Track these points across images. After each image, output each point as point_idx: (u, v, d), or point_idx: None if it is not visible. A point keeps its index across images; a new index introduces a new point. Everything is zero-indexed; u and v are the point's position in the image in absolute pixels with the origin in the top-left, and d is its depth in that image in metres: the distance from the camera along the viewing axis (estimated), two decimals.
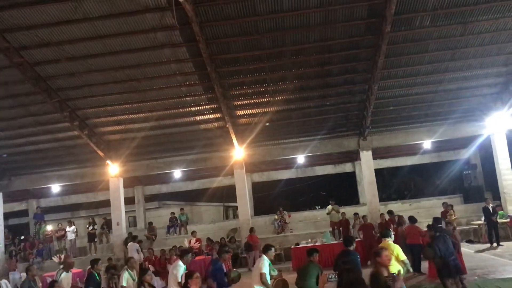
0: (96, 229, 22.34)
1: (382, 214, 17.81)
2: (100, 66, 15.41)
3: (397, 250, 8.73)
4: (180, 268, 9.00)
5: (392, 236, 9.63)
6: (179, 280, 8.85)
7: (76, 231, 22.46)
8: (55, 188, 22.55)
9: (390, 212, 17.74)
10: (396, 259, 8.41)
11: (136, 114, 18.07)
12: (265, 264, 8.40)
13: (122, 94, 17.01)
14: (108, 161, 20.32)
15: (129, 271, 9.16)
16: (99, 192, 24.42)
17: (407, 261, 8.71)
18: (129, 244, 18.04)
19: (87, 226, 22.43)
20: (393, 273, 7.72)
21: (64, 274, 9.60)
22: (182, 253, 9.63)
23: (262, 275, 8.25)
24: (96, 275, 9.37)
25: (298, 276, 8.18)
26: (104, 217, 24.11)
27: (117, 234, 20.86)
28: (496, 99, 18.62)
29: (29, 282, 9.38)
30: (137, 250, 17.46)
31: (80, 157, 20.67)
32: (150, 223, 23.10)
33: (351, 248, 8.74)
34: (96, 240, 22.31)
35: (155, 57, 15.18)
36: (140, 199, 25.77)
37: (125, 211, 21.82)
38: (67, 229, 22.01)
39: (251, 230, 18.61)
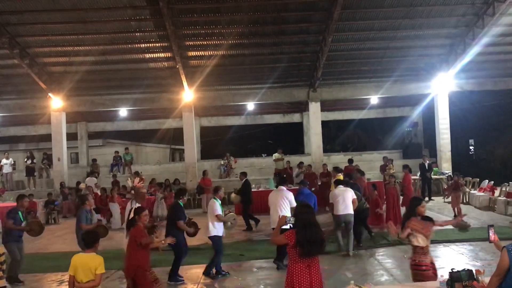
0: (35, 163, 21.64)
1: (324, 165, 18.39)
2: None
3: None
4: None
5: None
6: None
7: (14, 164, 21.62)
8: None
9: (350, 161, 18.39)
10: None
11: (81, 47, 17.24)
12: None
13: (68, 24, 16.12)
14: (50, 94, 19.44)
15: (217, 199, 9.09)
16: (40, 126, 23.47)
17: None
18: (87, 179, 19.02)
19: (25, 160, 21.66)
20: None
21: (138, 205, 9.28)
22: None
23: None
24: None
25: None
26: (45, 152, 23.35)
27: (57, 170, 20.34)
28: (442, 60, 19.17)
29: None
30: (96, 185, 18.41)
31: (20, 87, 19.68)
32: (94, 160, 22.65)
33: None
34: (35, 174, 21.69)
35: None
36: (83, 136, 25.01)
37: (67, 147, 21.24)
38: (4, 161, 21.15)
39: (204, 173, 18.61)
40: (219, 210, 8.86)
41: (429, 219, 5.87)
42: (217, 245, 8.85)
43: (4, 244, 8.89)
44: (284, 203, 9.29)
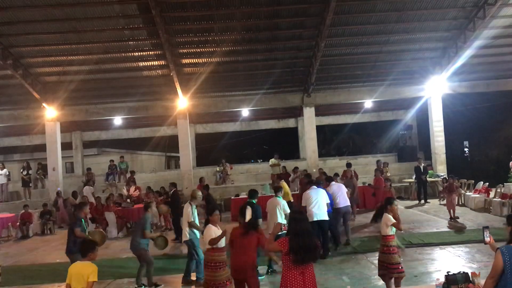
0: (30, 174, 21.54)
1: (320, 169, 18.37)
2: (37, 2, 14.39)
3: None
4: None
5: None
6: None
7: (9, 175, 21.49)
8: None
9: (348, 165, 18.17)
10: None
11: (75, 56, 17.21)
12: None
13: (61, 34, 16.09)
14: (44, 104, 19.40)
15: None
16: (35, 136, 23.42)
17: None
18: (84, 188, 18.89)
19: (21, 170, 21.55)
20: None
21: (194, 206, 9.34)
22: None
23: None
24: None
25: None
26: (39, 162, 23.25)
27: (53, 180, 20.24)
28: (435, 63, 19.29)
29: None
30: (92, 194, 18.46)
31: (14, 98, 19.56)
32: (88, 169, 22.54)
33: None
34: (31, 185, 21.57)
35: None
36: (78, 145, 24.94)
37: (62, 157, 21.15)
38: None
39: (201, 180, 18.55)
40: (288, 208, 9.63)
41: None
42: None
43: (71, 255, 8.46)
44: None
